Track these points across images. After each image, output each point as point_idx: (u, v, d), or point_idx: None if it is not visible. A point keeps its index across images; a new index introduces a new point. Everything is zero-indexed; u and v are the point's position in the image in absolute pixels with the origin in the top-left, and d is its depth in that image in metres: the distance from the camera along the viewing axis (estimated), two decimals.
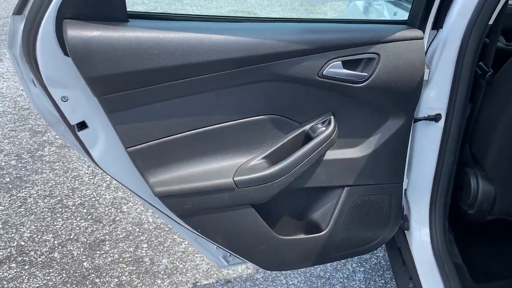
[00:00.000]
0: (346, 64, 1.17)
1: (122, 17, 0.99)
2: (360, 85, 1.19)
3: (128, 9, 0.99)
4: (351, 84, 1.19)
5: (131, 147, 1.09)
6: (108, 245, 2.26)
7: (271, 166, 1.20)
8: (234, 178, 1.16)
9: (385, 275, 2.09)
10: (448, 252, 1.51)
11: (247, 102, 1.17)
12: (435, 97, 1.41)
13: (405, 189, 1.53)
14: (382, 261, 2.16)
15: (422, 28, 1.25)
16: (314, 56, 1.13)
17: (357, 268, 2.13)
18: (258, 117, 1.20)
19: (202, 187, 1.14)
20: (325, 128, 1.22)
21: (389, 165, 1.40)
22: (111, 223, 2.42)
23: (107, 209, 2.54)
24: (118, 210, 2.52)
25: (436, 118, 1.42)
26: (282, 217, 1.37)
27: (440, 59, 1.37)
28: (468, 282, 1.43)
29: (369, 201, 1.42)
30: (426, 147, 1.47)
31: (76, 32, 0.93)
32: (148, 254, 2.20)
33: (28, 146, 3.18)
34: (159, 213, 1.26)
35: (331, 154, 1.30)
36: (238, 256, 1.33)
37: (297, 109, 1.23)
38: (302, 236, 1.37)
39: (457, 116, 1.40)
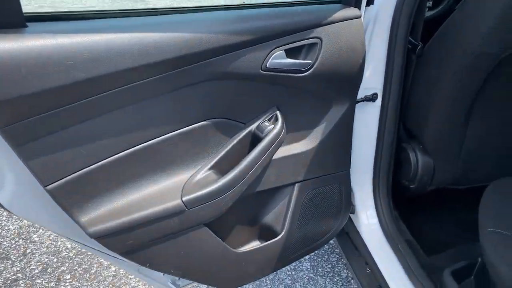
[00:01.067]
0: (288, 53, 1.06)
1: (17, 21, 0.76)
2: (305, 74, 1.09)
3: (24, 11, 0.76)
4: (296, 74, 1.08)
5: (51, 183, 0.86)
6: (22, 285, 1.94)
7: (220, 176, 1.05)
8: (183, 199, 0.99)
9: (331, 259, 2.06)
10: (397, 229, 1.50)
11: (183, 109, 1.00)
12: (370, 77, 1.37)
13: None
14: (325, 245, 2.14)
15: (358, 6, 1.17)
16: (255, 47, 1.00)
17: (302, 258, 2.08)
18: (198, 123, 1.03)
19: (147, 216, 0.96)
20: (272, 125, 1.10)
21: (337, 153, 1.33)
22: (21, 257, 2.09)
23: (13, 242, 2.18)
24: (28, 241, 2.18)
25: (373, 97, 1.39)
26: (235, 228, 1.24)
27: (372, 36, 1.33)
28: (422, 257, 1.43)
29: (320, 193, 1.35)
30: (366, 128, 1.44)
31: None
32: (74, 285, 1.94)
33: None
34: (96, 252, 1.05)
35: (279, 152, 1.19)
36: (195, 281, 1.18)
37: (240, 108, 1.09)
38: (260, 244, 1.26)
39: (393, 94, 1.38)
